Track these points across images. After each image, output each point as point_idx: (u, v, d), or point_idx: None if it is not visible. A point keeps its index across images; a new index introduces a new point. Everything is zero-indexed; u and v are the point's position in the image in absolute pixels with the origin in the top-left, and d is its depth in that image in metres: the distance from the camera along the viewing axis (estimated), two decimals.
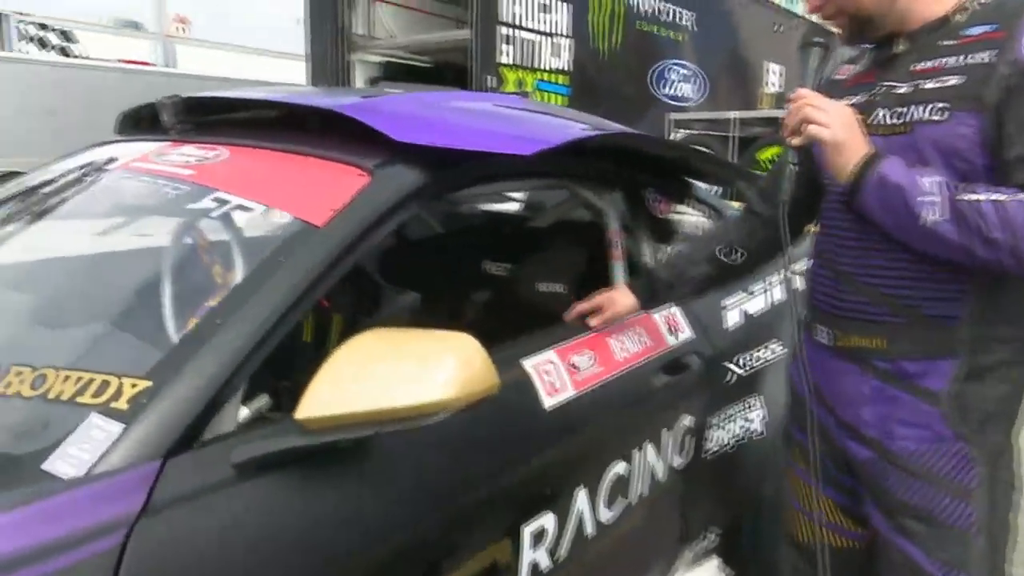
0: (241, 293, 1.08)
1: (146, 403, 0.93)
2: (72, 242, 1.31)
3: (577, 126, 1.62)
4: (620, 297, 1.59)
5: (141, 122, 1.86)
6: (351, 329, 2.36)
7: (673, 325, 1.77)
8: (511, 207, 2.33)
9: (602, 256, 1.91)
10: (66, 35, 14.37)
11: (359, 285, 2.29)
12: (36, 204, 1.48)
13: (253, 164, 1.43)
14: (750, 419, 1.97)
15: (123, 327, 1.13)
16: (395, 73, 6.99)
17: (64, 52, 13.96)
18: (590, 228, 1.80)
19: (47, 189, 1.55)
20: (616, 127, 1.92)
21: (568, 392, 1.41)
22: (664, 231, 2.09)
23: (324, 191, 1.28)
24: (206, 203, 1.31)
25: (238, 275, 1.12)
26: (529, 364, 1.38)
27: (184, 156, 1.47)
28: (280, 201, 1.30)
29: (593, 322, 1.57)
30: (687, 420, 1.75)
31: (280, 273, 1.11)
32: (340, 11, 6.54)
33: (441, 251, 2.14)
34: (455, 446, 1.19)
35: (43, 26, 14.22)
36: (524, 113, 1.73)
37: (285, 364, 2.31)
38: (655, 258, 1.66)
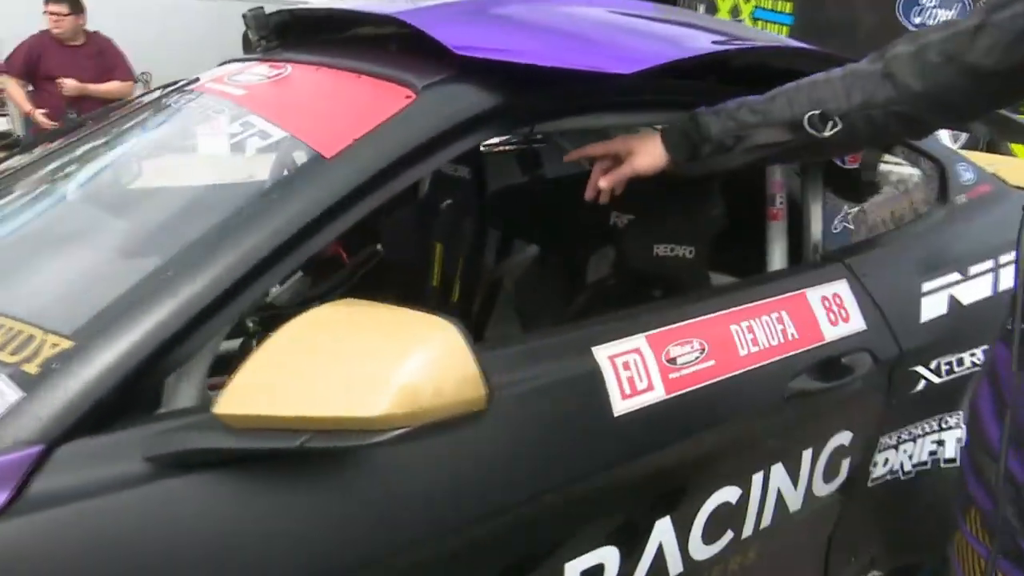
0: (208, 239, 0.87)
1: (56, 368, 0.76)
2: (92, 171, 1.19)
3: (709, 39, 1.22)
4: (643, 147, 1.13)
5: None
6: (473, 272, 2.14)
7: (837, 311, 1.33)
8: None
9: (754, 213, 1.49)
10: None
11: (479, 226, 2.06)
12: (106, 130, 1.39)
13: (304, 84, 1.22)
14: (941, 441, 1.48)
15: (80, 270, 0.98)
16: None
17: None
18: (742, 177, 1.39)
19: (125, 112, 1.46)
20: (795, 45, 1.47)
21: (654, 393, 1.07)
22: (853, 185, 1.61)
23: (357, 115, 1.04)
24: (233, 128, 1.12)
25: (217, 216, 0.91)
26: (603, 353, 1.05)
27: (252, 76, 1.30)
28: (305, 127, 1.07)
29: (603, 183, 1.16)
30: (844, 438, 1.33)
31: (262, 216, 0.89)
32: None
33: (569, 196, 1.82)
34: (467, 455, 0.91)
35: None
36: (652, 23, 1.34)
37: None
38: (722, 114, 1.09)
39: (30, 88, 4.24)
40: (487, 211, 1.99)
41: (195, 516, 0.76)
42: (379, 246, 2.40)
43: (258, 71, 1.31)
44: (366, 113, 1.02)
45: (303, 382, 0.71)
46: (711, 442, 1.14)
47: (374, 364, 0.70)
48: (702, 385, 1.11)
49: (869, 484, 1.41)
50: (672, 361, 1.10)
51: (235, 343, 1.37)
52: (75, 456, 0.73)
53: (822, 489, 1.32)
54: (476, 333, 1.93)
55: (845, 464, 1.34)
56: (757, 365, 1.18)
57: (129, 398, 0.78)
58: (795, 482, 1.27)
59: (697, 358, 1.12)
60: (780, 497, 1.25)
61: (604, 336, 1.07)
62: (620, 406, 1.03)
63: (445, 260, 2.13)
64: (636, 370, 1.06)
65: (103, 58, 4.31)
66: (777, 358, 1.21)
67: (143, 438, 0.76)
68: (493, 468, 0.93)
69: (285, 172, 1.05)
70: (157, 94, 1.46)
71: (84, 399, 0.74)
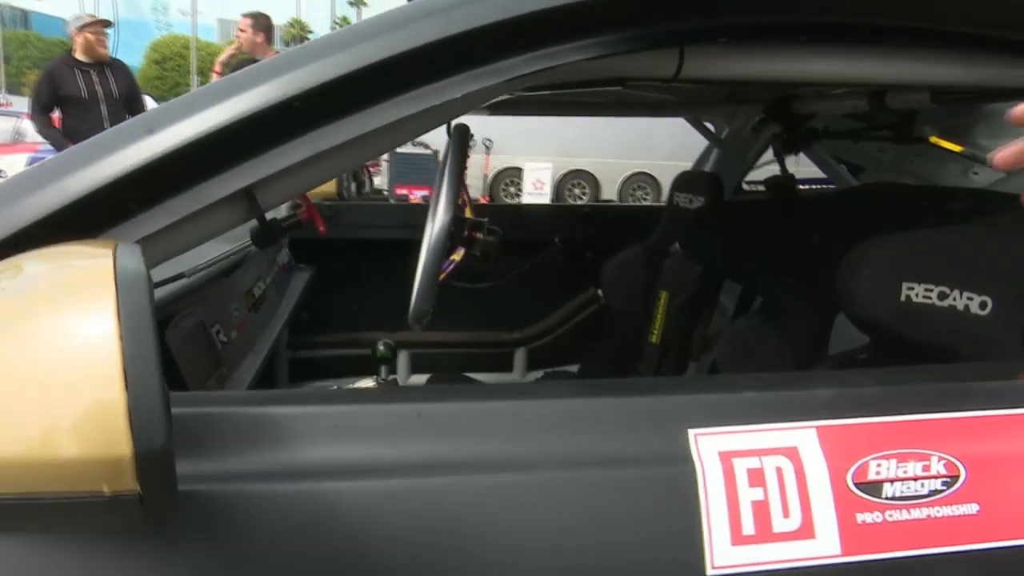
0: None
1: None
2: None
3: None
4: None
5: None
6: (694, 331, 1.65)
7: None
8: None
9: None
10: None
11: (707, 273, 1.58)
12: None
13: None
14: None
15: None
16: None
17: None
18: None
19: None
20: None
21: (814, 545, 0.52)
22: None
23: None
24: None
25: None
26: (711, 443, 0.54)
27: None
28: None
29: None
30: None
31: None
32: None
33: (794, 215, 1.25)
34: None
35: None
36: None
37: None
38: None
39: None
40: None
41: None
42: (599, 290, 2.04)
43: None
44: None
45: None
46: None
47: None
48: (936, 552, 0.52)
49: None
50: (868, 488, 0.53)
51: None
52: None
53: None
54: None
55: None
56: None
57: None
58: None
59: (935, 493, 0.54)
60: None
61: (716, 409, 0.55)
62: (724, 557, 0.50)
63: (669, 312, 1.69)
64: (778, 488, 0.52)
65: None
66: None
67: None
68: None
69: None
70: None
71: None
